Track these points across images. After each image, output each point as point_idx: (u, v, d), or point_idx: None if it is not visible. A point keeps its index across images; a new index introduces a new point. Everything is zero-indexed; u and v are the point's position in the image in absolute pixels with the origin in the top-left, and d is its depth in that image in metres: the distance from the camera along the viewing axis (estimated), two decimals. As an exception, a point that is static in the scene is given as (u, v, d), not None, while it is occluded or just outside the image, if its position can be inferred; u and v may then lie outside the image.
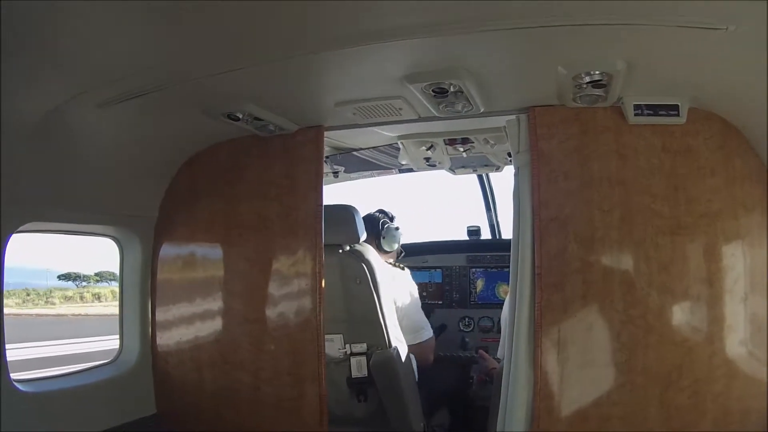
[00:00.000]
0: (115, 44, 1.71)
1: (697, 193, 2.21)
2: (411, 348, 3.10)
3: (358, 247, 2.87)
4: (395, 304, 3.05)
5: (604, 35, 1.74)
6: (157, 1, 1.48)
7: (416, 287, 3.29)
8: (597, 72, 1.98)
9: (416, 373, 3.13)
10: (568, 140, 2.31)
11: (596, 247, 2.27)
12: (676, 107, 2.17)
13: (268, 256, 2.67)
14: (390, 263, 3.21)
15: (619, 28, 1.68)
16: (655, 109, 2.19)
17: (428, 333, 3.24)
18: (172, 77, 1.98)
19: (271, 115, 2.44)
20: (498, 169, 3.82)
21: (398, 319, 3.05)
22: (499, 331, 3.53)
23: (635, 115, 2.22)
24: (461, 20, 1.65)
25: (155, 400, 2.86)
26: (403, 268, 3.24)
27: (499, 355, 3.26)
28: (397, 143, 3.26)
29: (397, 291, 3.09)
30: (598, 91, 2.12)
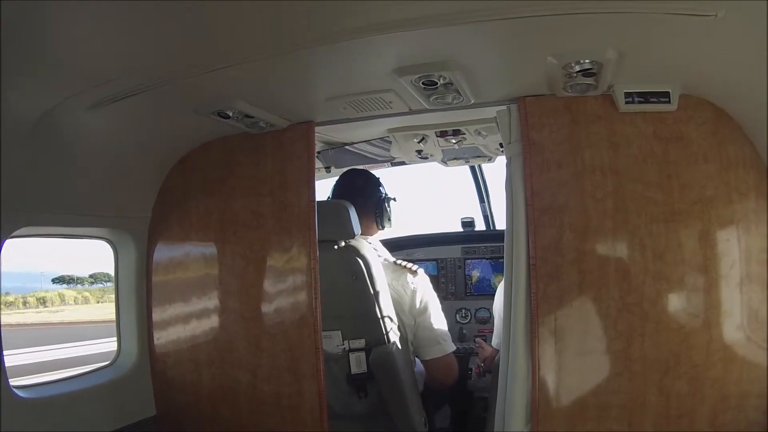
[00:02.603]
0: (105, 45, 1.71)
1: (691, 180, 2.21)
2: (426, 363, 3.04)
3: (353, 242, 2.86)
4: (415, 319, 2.98)
5: (594, 24, 1.73)
6: (144, 0, 1.47)
7: (433, 293, 3.09)
8: (587, 61, 1.97)
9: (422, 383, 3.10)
10: (560, 129, 2.31)
11: (590, 236, 2.27)
12: (666, 94, 2.17)
13: (262, 254, 2.67)
14: (400, 264, 3.07)
15: (608, 17, 1.68)
16: (645, 97, 2.18)
17: (447, 347, 3.04)
18: (161, 77, 1.97)
19: (261, 112, 2.43)
20: (490, 159, 3.83)
21: (413, 332, 2.99)
22: None
23: (626, 103, 2.21)
24: (450, 13, 1.64)
25: (155, 402, 2.86)
26: (416, 273, 3.04)
27: (494, 344, 3.27)
28: (388, 136, 3.26)
29: (411, 301, 2.99)
30: (588, 80, 2.11)
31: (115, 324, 2.88)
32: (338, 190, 3.21)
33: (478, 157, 3.75)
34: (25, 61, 1.71)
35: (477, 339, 3.80)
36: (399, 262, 3.07)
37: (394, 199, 3.24)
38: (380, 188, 3.24)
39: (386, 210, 3.18)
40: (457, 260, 4.47)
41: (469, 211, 4.86)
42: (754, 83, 1.91)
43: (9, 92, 1.81)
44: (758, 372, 2.19)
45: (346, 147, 3.48)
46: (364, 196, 3.14)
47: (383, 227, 3.21)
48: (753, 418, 2.20)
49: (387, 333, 2.81)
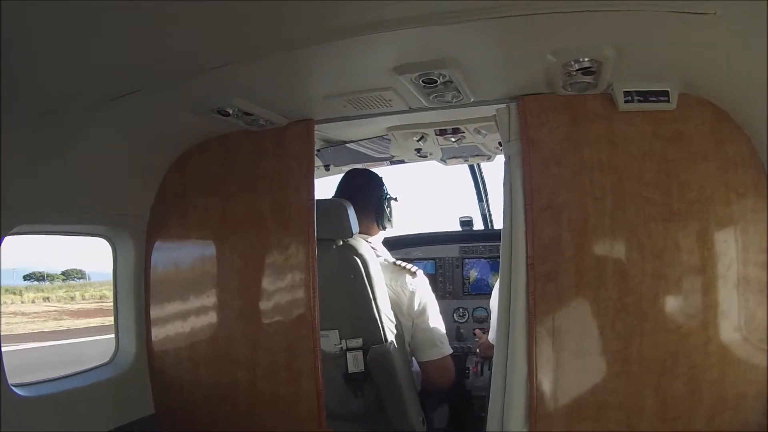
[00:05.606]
0: (104, 45, 1.71)
1: (689, 179, 2.20)
2: (423, 365, 3.03)
3: (351, 241, 2.85)
4: (413, 321, 2.98)
5: (593, 22, 1.73)
6: (143, 0, 1.47)
7: (432, 295, 3.08)
8: (586, 59, 1.97)
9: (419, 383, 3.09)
10: (559, 128, 2.30)
11: (589, 235, 2.26)
12: (666, 93, 2.16)
13: (261, 252, 2.66)
14: (399, 265, 3.06)
15: (607, 15, 1.67)
16: (645, 96, 2.18)
17: (444, 350, 3.03)
18: (161, 75, 1.97)
19: (260, 110, 2.43)
20: (489, 158, 3.82)
21: (411, 334, 2.99)
22: None
23: (625, 101, 2.20)
24: (450, 11, 1.64)
25: (153, 400, 2.86)
26: (415, 274, 3.03)
27: (490, 339, 3.27)
28: (387, 135, 3.25)
29: (410, 302, 2.98)
30: (587, 79, 2.11)
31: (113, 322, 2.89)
32: (340, 189, 3.21)
33: (478, 155, 3.74)
34: (24, 61, 1.71)
35: (475, 330, 3.81)
36: (398, 262, 3.06)
37: (395, 199, 3.24)
38: (382, 188, 3.23)
39: (386, 210, 3.18)
40: (455, 259, 4.45)
41: (468, 211, 4.86)
42: (754, 82, 1.91)
43: (9, 93, 1.81)
44: (756, 373, 2.18)
45: (346, 145, 3.48)
46: (365, 196, 3.13)
47: (383, 228, 3.21)
48: (750, 420, 2.19)
49: (384, 332, 2.80)
